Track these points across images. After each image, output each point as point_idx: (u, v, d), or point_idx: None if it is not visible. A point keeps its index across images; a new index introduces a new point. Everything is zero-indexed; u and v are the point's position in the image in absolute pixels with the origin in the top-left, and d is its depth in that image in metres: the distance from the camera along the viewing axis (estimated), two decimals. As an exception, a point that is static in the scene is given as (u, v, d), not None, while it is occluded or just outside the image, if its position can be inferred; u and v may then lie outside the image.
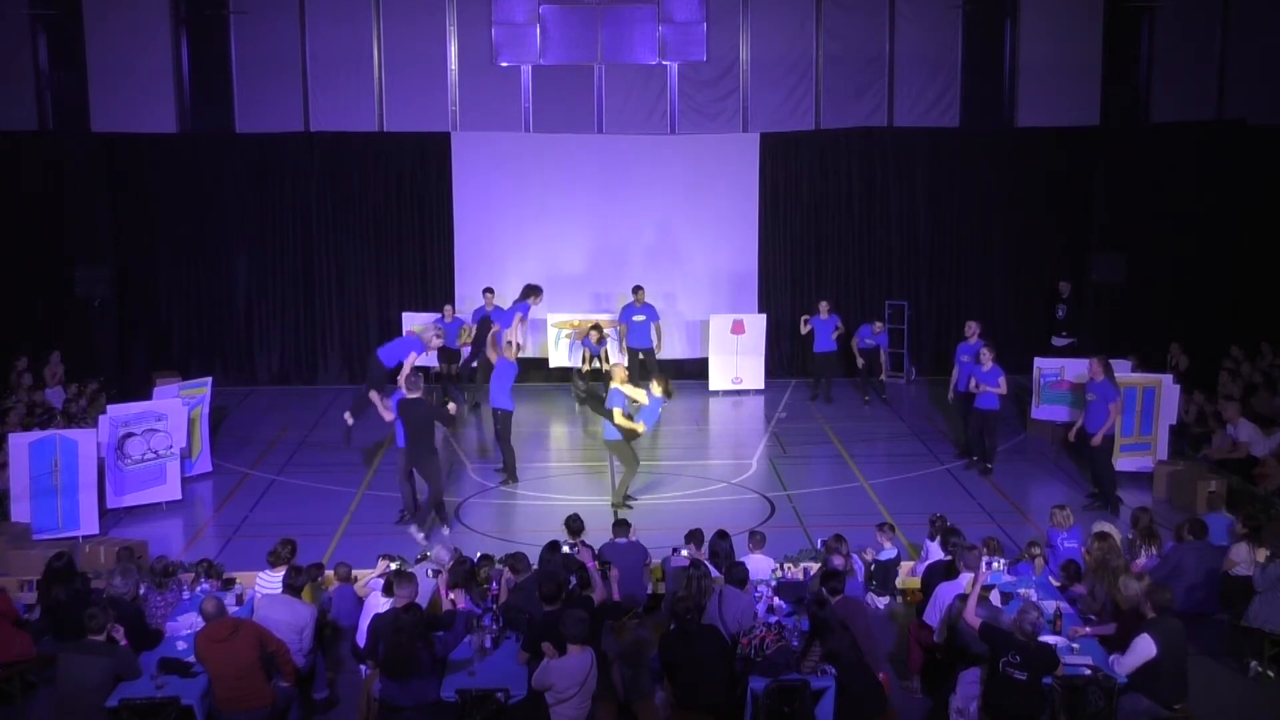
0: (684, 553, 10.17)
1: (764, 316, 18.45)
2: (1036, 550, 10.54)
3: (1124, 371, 13.98)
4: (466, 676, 8.35)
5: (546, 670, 7.96)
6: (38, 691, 9.17)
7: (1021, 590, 9.53)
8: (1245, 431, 13.76)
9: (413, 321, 18.01)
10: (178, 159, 18.55)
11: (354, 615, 9.75)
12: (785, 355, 19.11)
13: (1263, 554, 9.82)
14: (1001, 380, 13.84)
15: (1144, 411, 13.75)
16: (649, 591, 10.53)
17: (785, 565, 10.67)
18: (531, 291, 16.30)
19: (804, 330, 17.66)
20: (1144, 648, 8.24)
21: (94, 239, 18.08)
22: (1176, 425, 14.29)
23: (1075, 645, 8.65)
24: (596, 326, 17.22)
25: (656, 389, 12.92)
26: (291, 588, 9.03)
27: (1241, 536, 10.41)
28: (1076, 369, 14.96)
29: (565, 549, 10.01)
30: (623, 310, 17.63)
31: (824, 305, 17.69)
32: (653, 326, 17.45)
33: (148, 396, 14.48)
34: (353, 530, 12.61)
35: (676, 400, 17.62)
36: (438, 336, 14.79)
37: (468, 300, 18.06)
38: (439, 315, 17.40)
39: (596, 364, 17.44)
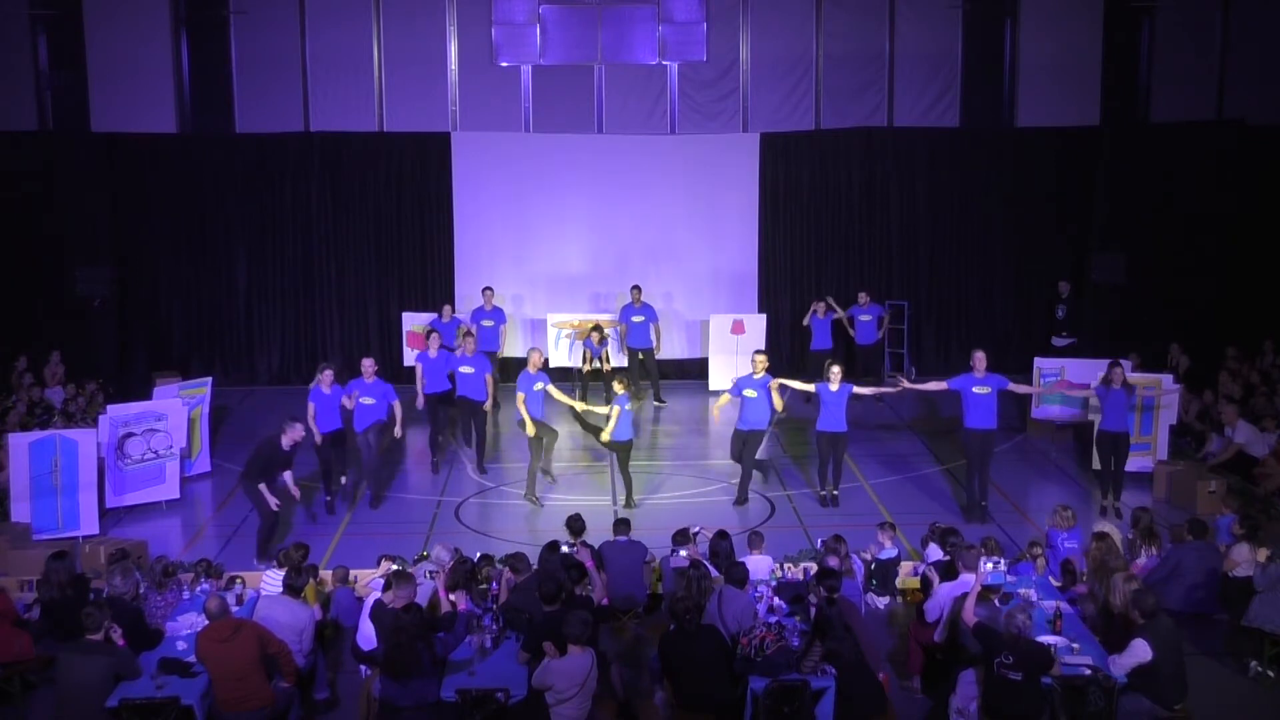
0: (683, 553, 10.17)
1: (764, 316, 18.46)
2: (1038, 550, 10.55)
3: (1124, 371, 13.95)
4: (466, 676, 8.35)
5: (547, 670, 7.96)
6: (38, 691, 9.17)
7: (1022, 590, 9.53)
8: (1243, 433, 13.75)
9: (412, 321, 18.05)
10: (178, 159, 18.55)
11: (354, 616, 9.75)
12: (785, 355, 19.10)
13: (1263, 554, 9.82)
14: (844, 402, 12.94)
15: (1144, 411, 13.73)
16: (648, 591, 10.52)
17: (785, 565, 10.68)
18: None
19: (807, 319, 17.68)
20: (1140, 650, 8.24)
21: (94, 239, 18.09)
22: (1176, 425, 14.29)
23: (1075, 645, 8.65)
24: (597, 327, 17.22)
25: (619, 388, 13.05)
26: (291, 589, 9.03)
27: (1240, 537, 10.41)
28: (1076, 369, 14.97)
29: (565, 549, 10.02)
30: (622, 310, 17.63)
31: (821, 306, 17.70)
32: (652, 327, 17.44)
33: (148, 396, 14.48)
34: (352, 530, 12.62)
35: (677, 400, 17.67)
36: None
37: (467, 300, 18.05)
38: (436, 315, 17.40)
39: (597, 364, 17.44)
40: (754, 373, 13.04)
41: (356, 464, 13.64)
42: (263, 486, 11.46)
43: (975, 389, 12.52)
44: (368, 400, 13.15)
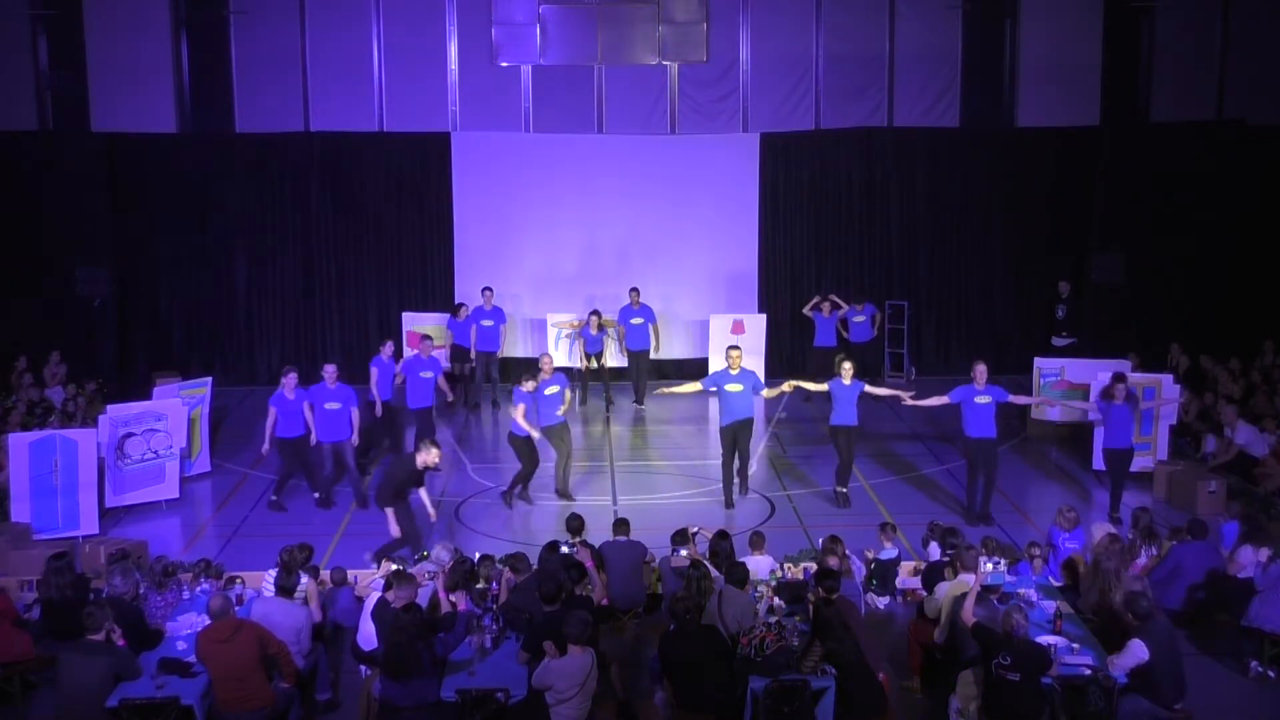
0: (684, 553, 10.17)
1: (764, 316, 18.46)
2: (1036, 551, 10.53)
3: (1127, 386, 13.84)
4: (466, 676, 8.35)
5: (546, 670, 7.96)
6: (38, 691, 9.17)
7: (1021, 590, 9.53)
8: (1244, 434, 13.74)
9: (413, 321, 18.06)
10: (178, 159, 18.54)
11: (354, 617, 9.75)
12: (786, 355, 19.10)
13: (1264, 554, 9.81)
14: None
15: (1144, 411, 13.72)
16: (648, 591, 10.52)
17: (785, 565, 10.68)
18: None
19: (807, 309, 17.75)
20: (1137, 651, 8.24)
21: (94, 239, 18.08)
22: (1176, 425, 14.28)
23: (1075, 645, 8.65)
24: (596, 313, 17.25)
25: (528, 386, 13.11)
26: (283, 589, 9.02)
27: (1243, 538, 10.39)
28: (1076, 369, 14.98)
29: (565, 549, 10.02)
30: (620, 312, 17.62)
31: (826, 305, 17.71)
32: (650, 329, 17.44)
33: (148, 396, 14.48)
34: (352, 530, 12.61)
35: (676, 400, 17.64)
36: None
37: (467, 300, 18.01)
38: (452, 316, 17.41)
39: (595, 364, 17.44)
40: (730, 368, 13.00)
41: (316, 470, 13.60)
42: (389, 511, 10.97)
43: (977, 399, 12.50)
44: (333, 405, 13.12)
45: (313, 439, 13.19)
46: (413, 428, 14.54)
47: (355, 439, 13.28)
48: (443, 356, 17.73)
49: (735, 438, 13.02)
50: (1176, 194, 18.60)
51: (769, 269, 19.21)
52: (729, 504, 13.08)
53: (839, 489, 13.23)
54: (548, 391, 13.27)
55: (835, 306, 17.79)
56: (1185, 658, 8.62)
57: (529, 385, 13.04)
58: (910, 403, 13.20)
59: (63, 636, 9.02)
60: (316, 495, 13.36)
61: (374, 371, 14.43)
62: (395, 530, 10.98)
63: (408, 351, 17.94)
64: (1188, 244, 18.64)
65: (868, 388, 13.14)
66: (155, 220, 18.65)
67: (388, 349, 14.63)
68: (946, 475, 14.24)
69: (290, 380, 13.16)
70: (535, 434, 13.00)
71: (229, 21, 18.67)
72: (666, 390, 14.23)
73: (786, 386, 13.54)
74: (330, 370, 13.36)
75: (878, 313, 18.31)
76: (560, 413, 13.35)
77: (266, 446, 13.18)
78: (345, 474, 13.45)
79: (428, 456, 11.12)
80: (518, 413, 12.95)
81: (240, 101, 18.74)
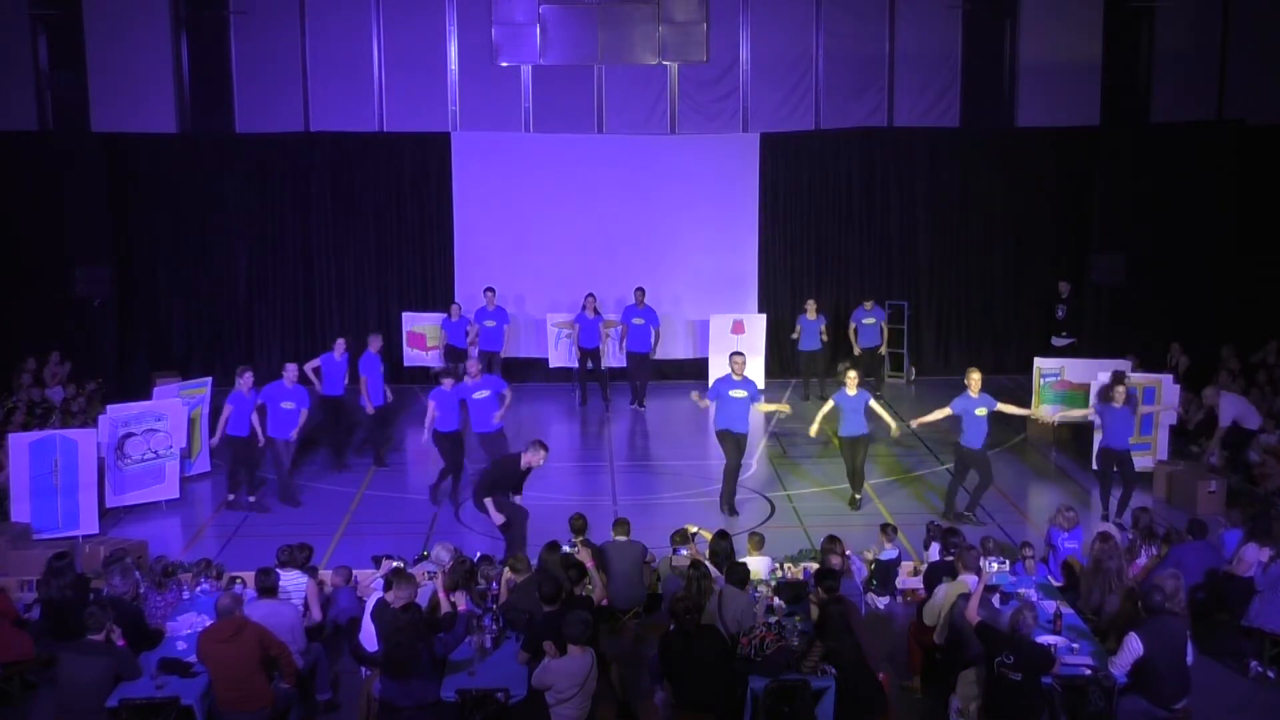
0: (684, 553, 10.18)
1: (764, 316, 18.45)
2: (1028, 551, 10.49)
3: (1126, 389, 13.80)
4: (466, 676, 8.36)
5: (546, 670, 7.96)
6: (38, 691, 9.17)
7: (1021, 590, 9.53)
8: (1232, 406, 13.62)
9: (413, 321, 18.06)
10: (178, 159, 18.54)
11: (354, 616, 9.74)
12: (785, 355, 19.10)
13: (1265, 554, 9.81)
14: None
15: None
16: (648, 591, 10.52)
17: (785, 565, 10.68)
18: None
19: (795, 336, 17.75)
20: (1132, 645, 8.25)
21: (94, 239, 18.06)
22: (1176, 425, 14.27)
23: (1075, 645, 8.66)
24: (591, 295, 17.25)
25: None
26: (263, 590, 9.00)
27: (1248, 537, 10.37)
28: (1076, 369, 14.97)
29: (565, 549, 10.03)
30: (624, 311, 17.63)
31: (811, 305, 17.72)
32: (652, 331, 17.42)
33: (148, 396, 14.49)
34: (352, 530, 12.63)
35: (675, 401, 17.65)
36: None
37: (468, 300, 18.03)
38: (446, 315, 17.43)
39: (590, 364, 17.45)
40: (733, 374, 12.83)
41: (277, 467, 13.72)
42: (489, 501, 10.97)
43: (976, 411, 12.50)
44: (288, 405, 13.35)
45: (260, 439, 13.33)
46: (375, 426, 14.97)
47: (294, 436, 13.48)
48: (437, 356, 17.83)
49: (737, 447, 12.78)
50: (1176, 194, 18.60)
51: (769, 269, 19.20)
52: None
53: (855, 495, 13.19)
54: (476, 395, 13.03)
55: (819, 311, 17.78)
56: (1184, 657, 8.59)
57: (447, 383, 13.05)
58: (915, 424, 13.14)
59: (63, 636, 9.03)
60: (251, 498, 13.36)
61: (321, 367, 14.56)
62: (498, 518, 10.99)
63: (409, 351, 18.06)
64: (1188, 244, 18.63)
65: (872, 403, 13.00)
66: (155, 220, 18.65)
67: (339, 346, 14.71)
68: (947, 476, 14.21)
69: (247, 379, 13.30)
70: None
71: (229, 21, 18.67)
72: (693, 395, 13.92)
73: (785, 407, 13.93)
74: (291, 370, 13.66)
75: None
76: (497, 418, 13.11)
77: (216, 440, 13.38)
78: (279, 473, 13.58)
79: (533, 457, 11.03)
80: (428, 414, 12.94)
81: (240, 101, 18.74)
